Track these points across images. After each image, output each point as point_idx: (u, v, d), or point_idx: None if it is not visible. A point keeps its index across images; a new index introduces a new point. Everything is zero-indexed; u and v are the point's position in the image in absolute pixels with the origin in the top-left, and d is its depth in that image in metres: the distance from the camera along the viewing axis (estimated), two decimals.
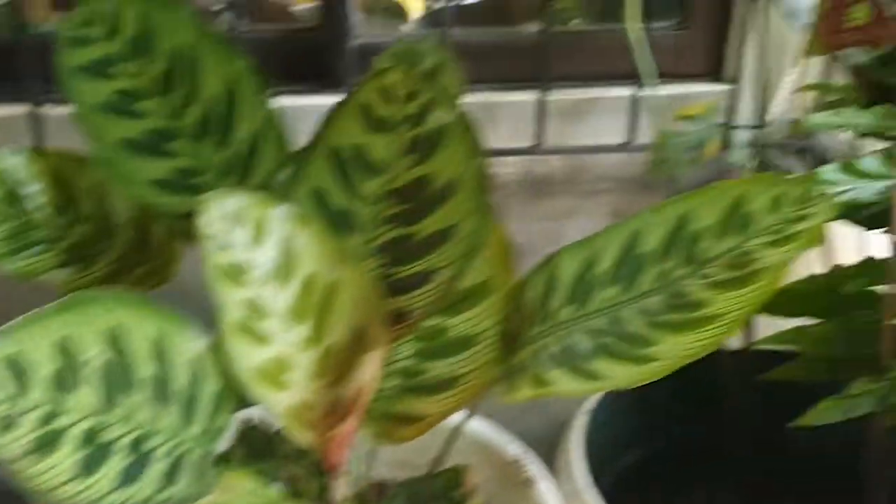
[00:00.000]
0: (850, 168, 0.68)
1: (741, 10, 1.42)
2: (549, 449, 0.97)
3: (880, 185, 0.67)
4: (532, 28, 1.52)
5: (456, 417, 0.71)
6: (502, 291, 0.66)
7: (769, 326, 0.91)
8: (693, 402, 0.92)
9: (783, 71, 1.33)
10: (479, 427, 0.86)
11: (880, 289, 0.77)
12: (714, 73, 1.52)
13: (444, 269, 0.63)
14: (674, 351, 0.56)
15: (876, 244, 0.82)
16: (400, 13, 2.04)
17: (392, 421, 0.67)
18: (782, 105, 1.39)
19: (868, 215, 0.72)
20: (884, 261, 0.79)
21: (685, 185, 1.46)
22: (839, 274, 0.78)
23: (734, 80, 1.46)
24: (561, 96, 1.45)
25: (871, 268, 0.76)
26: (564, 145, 1.46)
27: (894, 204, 0.63)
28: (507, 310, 0.66)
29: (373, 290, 0.63)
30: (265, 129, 0.67)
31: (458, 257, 0.63)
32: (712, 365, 0.92)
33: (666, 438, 0.96)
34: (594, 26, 1.54)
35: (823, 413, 0.68)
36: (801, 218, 0.57)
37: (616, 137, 1.47)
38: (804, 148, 1.50)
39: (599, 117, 1.48)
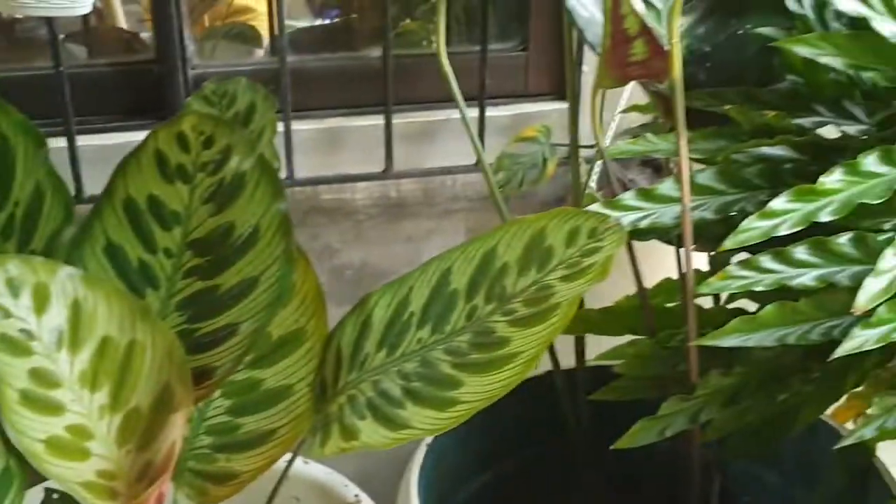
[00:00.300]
0: (648, 194, 0.69)
1: (575, 31, 1.46)
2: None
3: (677, 208, 0.69)
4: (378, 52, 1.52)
5: (282, 463, 0.68)
6: (316, 339, 0.65)
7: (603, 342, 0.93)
8: (536, 422, 0.93)
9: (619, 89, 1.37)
10: (317, 470, 0.85)
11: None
12: (557, 91, 1.56)
13: (249, 321, 0.61)
14: (476, 392, 0.56)
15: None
16: (253, 39, 1.99)
17: (206, 480, 0.64)
18: (618, 121, 1.43)
19: (677, 235, 0.74)
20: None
21: (535, 201, 1.49)
22: (655, 292, 0.80)
23: (571, 97, 1.49)
24: (411, 119, 1.45)
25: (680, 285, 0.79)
26: (416, 168, 1.46)
27: (685, 227, 0.65)
28: (322, 357, 0.64)
29: (175, 349, 0.60)
30: (46, 185, 0.63)
31: (264, 308, 0.61)
32: (551, 384, 0.94)
33: (513, 460, 0.96)
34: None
35: (639, 435, 0.69)
36: (594, 251, 0.58)
37: (467, 158, 1.48)
38: (645, 160, 1.55)
39: (449, 139, 1.49)
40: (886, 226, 0.64)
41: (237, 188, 0.64)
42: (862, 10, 0.63)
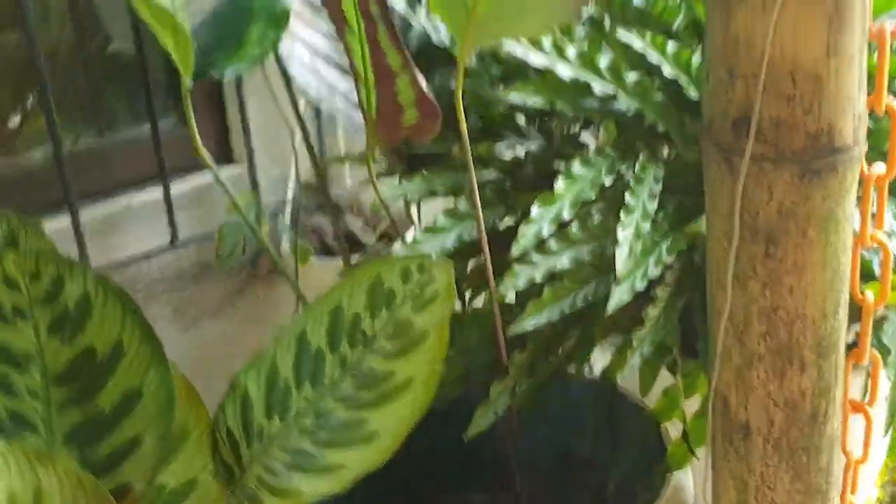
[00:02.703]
0: (431, 230, 0.84)
1: (234, 101, 1.56)
2: None
3: (452, 236, 0.85)
4: (36, 155, 1.46)
5: None
6: (201, 429, 0.69)
7: None
8: None
9: (289, 148, 1.49)
10: None
11: None
12: (223, 157, 1.63)
13: (150, 429, 0.64)
14: (389, 421, 0.66)
15: None
16: None
17: None
18: (294, 175, 1.56)
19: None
20: None
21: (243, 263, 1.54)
22: None
23: (246, 160, 1.59)
24: (90, 213, 1.43)
25: None
26: (114, 260, 1.44)
27: (482, 239, 0.80)
28: (214, 443, 0.69)
29: (83, 479, 0.61)
30: None
31: (160, 412, 0.64)
32: None
33: None
34: (100, 140, 1.54)
35: (480, 420, 0.84)
36: (429, 281, 0.71)
37: (160, 239, 1.50)
38: (323, 204, 1.70)
39: (137, 224, 1.49)
40: (593, 210, 0.87)
41: (84, 312, 0.66)
42: (546, 62, 0.85)
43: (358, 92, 0.81)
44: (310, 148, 1.04)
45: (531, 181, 0.91)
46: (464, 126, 0.74)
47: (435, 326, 0.69)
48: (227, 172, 1.62)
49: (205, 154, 0.90)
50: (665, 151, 0.94)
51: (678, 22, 1.03)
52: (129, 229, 1.48)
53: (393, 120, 0.77)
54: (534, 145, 1.00)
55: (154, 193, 1.50)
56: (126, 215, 1.48)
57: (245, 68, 0.88)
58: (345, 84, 0.96)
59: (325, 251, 1.65)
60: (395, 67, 0.71)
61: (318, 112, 1.71)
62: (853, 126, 0.64)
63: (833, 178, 0.64)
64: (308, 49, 0.93)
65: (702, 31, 0.99)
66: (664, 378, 0.99)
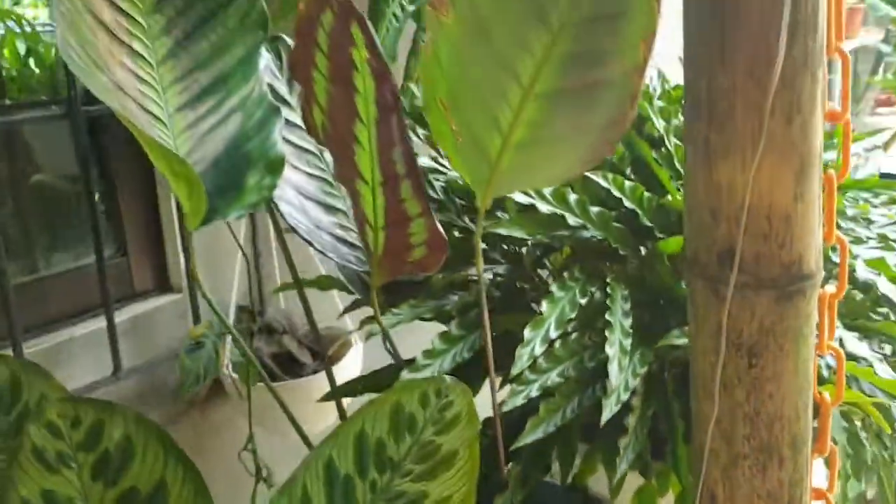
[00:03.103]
0: (430, 354, 0.90)
1: (171, 229, 1.58)
2: None
3: (449, 358, 0.91)
4: None
5: None
6: None
7: None
8: None
9: (227, 274, 1.52)
10: None
11: None
12: (162, 286, 1.64)
13: None
14: None
15: None
16: None
17: None
18: (234, 300, 1.58)
19: None
20: None
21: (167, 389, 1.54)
22: None
23: (185, 288, 1.60)
24: (34, 347, 1.40)
25: None
26: None
27: (488, 359, 0.87)
28: None
29: None
30: None
31: None
32: None
33: None
34: (34, 273, 1.52)
35: None
36: (448, 405, 0.77)
37: (105, 370, 1.47)
38: (264, 327, 1.72)
39: (78, 356, 1.46)
40: (569, 328, 0.96)
41: (126, 453, 0.68)
42: (530, 200, 0.95)
43: (362, 233, 0.87)
44: (294, 273, 1.08)
45: (501, 302, 0.99)
46: (479, 260, 0.82)
47: (464, 446, 0.74)
48: (165, 300, 1.63)
49: (205, 288, 0.93)
50: (625, 272, 1.05)
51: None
52: (72, 361, 1.46)
53: (400, 258, 0.83)
54: (500, 269, 1.09)
55: (92, 325, 1.49)
56: (66, 348, 1.46)
57: (244, 213, 0.92)
58: (327, 218, 1.02)
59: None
60: (413, 214, 0.78)
61: (254, 238, 1.75)
62: (815, 256, 0.75)
63: (802, 300, 0.75)
64: (294, 190, 0.99)
65: (633, 159, 1.12)
66: (630, 478, 1.07)
